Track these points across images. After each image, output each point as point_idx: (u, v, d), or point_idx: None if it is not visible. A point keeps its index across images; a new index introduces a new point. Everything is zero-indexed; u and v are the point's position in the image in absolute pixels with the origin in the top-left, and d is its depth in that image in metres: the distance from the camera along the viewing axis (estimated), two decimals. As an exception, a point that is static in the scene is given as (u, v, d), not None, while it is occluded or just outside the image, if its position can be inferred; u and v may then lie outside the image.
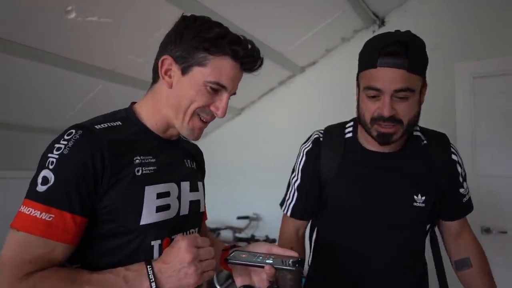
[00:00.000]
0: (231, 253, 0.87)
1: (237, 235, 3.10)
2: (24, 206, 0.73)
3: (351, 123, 1.23)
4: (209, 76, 0.83)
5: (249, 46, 0.86)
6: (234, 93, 0.90)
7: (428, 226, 1.25)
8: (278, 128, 3.14)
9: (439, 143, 1.20)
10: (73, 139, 0.76)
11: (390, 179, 1.14)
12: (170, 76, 0.86)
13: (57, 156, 0.75)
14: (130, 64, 2.18)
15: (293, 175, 1.26)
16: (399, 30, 1.08)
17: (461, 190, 1.22)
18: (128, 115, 0.89)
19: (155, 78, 0.90)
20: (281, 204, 1.28)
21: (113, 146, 0.79)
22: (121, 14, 1.81)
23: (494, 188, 2.35)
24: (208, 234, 1.14)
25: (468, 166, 2.35)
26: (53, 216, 0.73)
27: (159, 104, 0.88)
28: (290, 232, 1.26)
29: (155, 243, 0.84)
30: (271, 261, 0.81)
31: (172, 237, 0.87)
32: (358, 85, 1.13)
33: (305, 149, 1.25)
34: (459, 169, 1.20)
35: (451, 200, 1.21)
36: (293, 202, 1.25)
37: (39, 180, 0.74)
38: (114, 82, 2.28)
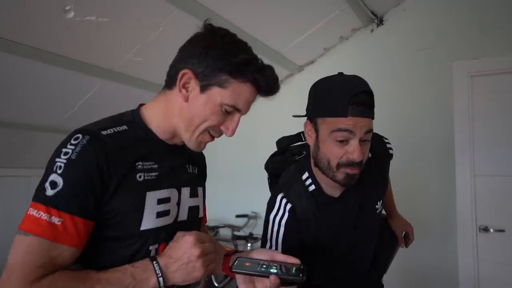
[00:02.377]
0: (235, 260, 0.88)
1: (236, 233, 3.11)
2: (33, 209, 0.74)
3: (306, 174, 1.18)
4: (227, 99, 0.84)
5: (271, 75, 0.87)
6: (245, 114, 0.91)
7: None
8: (276, 126, 3.13)
9: (378, 146, 1.25)
10: (80, 144, 0.77)
11: (361, 208, 1.20)
12: (187, 90, 0.85)
13: (65, 161, 0.75)
14: (128, 63, 2.18)
15: (268, 246, 1.15)
16: (357, 76, 1.09)
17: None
18: (135, 119, 0.89)
19: (170, 85, 0.88)
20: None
21: (118, 152, 0.80)
22: (119, 13, 1.81)
23: (492, 186, 2.36)
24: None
25: (466, 165, 2.38)
26: (62, 220, 0.74)
27: (170, 113, 0.88)
28: None
29: (152, 248, 0.85)
30: (275, 271, 0.82)
31: (169, 243, 0.88)
32: (315, 130, 1.09)
33: (281, 220, 1.14)
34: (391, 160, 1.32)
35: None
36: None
37: (48, 184, 0.75)
38: (113, 81, 2.28)
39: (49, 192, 0.74)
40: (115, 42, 2.01)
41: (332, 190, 1.15)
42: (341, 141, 1.03)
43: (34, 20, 1.68)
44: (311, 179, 1.16)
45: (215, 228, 3.19)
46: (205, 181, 1.10)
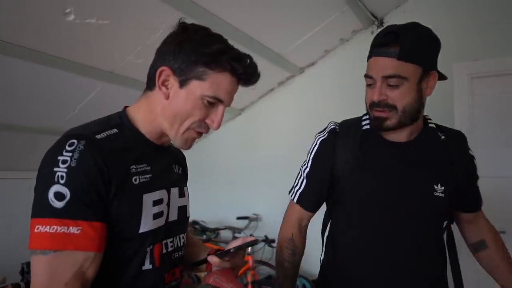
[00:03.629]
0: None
1: (237, 235, 3.11)
2: (43, 226, 0.71)
3: (366, 116, 1.20)
4: (207, 91, 0.83)
5: (248, 62, 0.87)
6: (229, 105, 0.90)
7: (445, 223, 1.22)
8: (278, 128, 3.15)
9: (457, 138, 1.21)
10: (78, 150, 0.75)
11: (410, 168, 1.12)
12: (167, 88, 0.85)
13: (65, 170, 0.73)
14: (129, 65, 2.19)
15: (304, 162, 1.23)
16: (413, 22, 1.11)
17: (477, 184, 1.26)
18: (123, 121, 0.89)
19: (151, 85, 0.88)
20: (290, 191, 1.26)
21: (113, 156, 0.79)
22: (119, 15, 1.82)
23: (493, 188, 2.35)
24: (192, 237, 1.15)
25: (467, 166, 2.38)
26: (81, 228, 0.72)
27: (153, 113, 0.88)
28: (292, 220, 1.23)
29: (148, 250, 0.85)
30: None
31: (163, 242, 0.89)
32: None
33: (320, 138, 1.21)
34: (475, 162, 1.24)
35: (470, 194, 1.23)
36: (301, 189, 1.22)
37: (52, 196, 0.72)
38: (113, 83, 2.29)
39: (57, 204, 0.72)
40: (115, 44, 2.01)
41: (384, 134, 1.15)
42: (369, 85, 1.10)
43: (35, 23, 1.69)
44: (369, 120, 1.18)
45: (215, 230, 3.19)
46: (187, 181, 1.09)
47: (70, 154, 0.74)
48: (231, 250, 0.89)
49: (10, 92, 2.06)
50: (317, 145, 1.21)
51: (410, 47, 1.03)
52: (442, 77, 1.13)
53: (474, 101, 2.42)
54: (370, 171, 1.13)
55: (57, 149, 0.76)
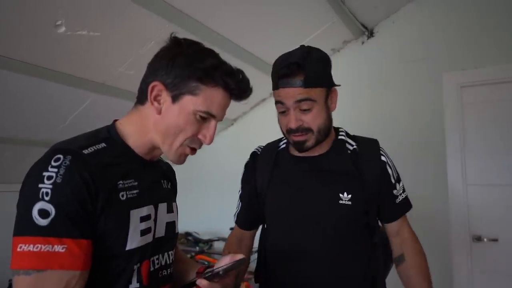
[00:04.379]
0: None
1: (230, 246, 3.08)
2: (27, 245, 0.68)
3: (285, 139, 1.31)
4: (200, 106, 0.83)
5: (241, 77, 0.87)
6: (221, 120, 0.90)
7: (365, 229, 1.23)
8: (270, 138, 3.13)
9: (368, 146, 1.25)
10: (63, 165, 0.73)
11: (317, 179, 1.20)
12: (159, 102, 0.84)
13: (50, 186, 0.71)
14: (120, 77, 2.18)
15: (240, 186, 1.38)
16: (299, 48, 1.20)
17: (394, 192, 1.25)
18: (112, 135, 0.87)
19: (142, 99, 0.87)
20: (234, 214, 1.39)
21: (101, 171, 0.77)
22: (110, 27, 1.82)
23: (484, 196, 2.38)
24: (180, 253, 1.13)
25: (458, 175, 2.39)
26: (66, 246, 0.70)
27: (145, 128, 0.87)
28: (232, 240, 1.36)
29: (136, 267, 0.83)
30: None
31: (151, 259, 0.87)
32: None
33: (245, 163, 1.38)
34: (389, 170, 1.24)
35: (386, 202, 1.24)
36: (238, 211, 1.38)
37: (36, 214, 0.69)
38: (105, 95, 2.28)
39: (42, 222, 0.69)
40: (107, 55, 2.01)
41: (296, 151, 1.24)
42: (283, 112, 1.17)
43: (25, 35, 1.68)
44: (286, 141, 1.31)
45: (209, 241, 3.15)
46: (176, 196, 1.08)
47: (55, 169, 0.72)
48: (220, 273, 0.85)
49: (1, 104, 2.04)
50: (243, 170, 1.38)
51: (313, 74, 1.12)
52: (336, 85, 1.23)
53: (464, 110, 2.45)
54: (282, 185, 1.24)
55: (43, 164, 0.74)
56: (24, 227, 0.70)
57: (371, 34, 2.77)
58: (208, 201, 3.42)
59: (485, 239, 2.33)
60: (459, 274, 2.35)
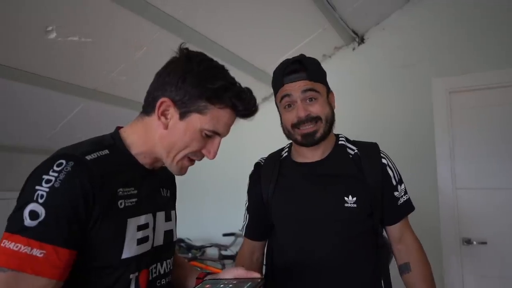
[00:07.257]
0: (200, 284, 0.86)
1: (223, 252, 3.07)
2: (10, 242, 0.68)
3: (287, 146, 1.37)
4: (207, 124, 0.84)
5: (249, 98, 0.88)
6: (225, 136, 0.91)
7: (370, 233, 1.24)
8: (263, 143, 3.13)
9: (369, 149, 1.27)
10: (64, 171, 0.73)
11: (320, 183, 1.21)
12: (166, 117, 0.85)
13: (47, 189, 0.71)
14: (112, 83, 2.18)
15: (246, 199, 1.39)
16: (300, 54, 1.27)
17: (396, 193, 1.25)
18: (116, 143, 0.87)
19: (148, 111, 0.87)
20: (242, 228, 1.38)
21: (102, 179, 0.77)
22: (102, 33, 1.81)
23: (473, 200, 2.41)
24: (179, 258, 1.13)
25: (447, 179, 2.42)
26: (44, 252, 0.69)
27: (149, 139, 0.87)
28: (244, 253, 1.36)
29: (133, 276, 0.82)
30: None
31: (150, 268, 0.86)
32: (277, 107, 1.29)
33: (250, 174, 1.39)
34: (389, 171, 1.25)
35: (387, 204, 1.24)
36: (246, 223, 1.36)
37: (26, 214, 0.70)
38: (96, 101, 2.26)
39: (29, 222, 0.69)
40: (99, 61, 2.00)
41: (298, 158, 1.29)
42: (288, 106, 1.21)
43: (16, 41, 1.67)
44: (287, 149, 1.35)
45: (201, 248, 3.14)
46: (175, 203, 1.08)
47: (56, 174, 0.73)
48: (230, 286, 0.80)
49: (-11, 110, 2.02)
50: (248, 181, 1.38)
51: (314, 70, 1.23)
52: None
53: (452, 115, 2.49)
54: (287, 192, 1.25)
55: (45, 167, 0.74)
56: (13, 224, 0.71)
57: (361, 40, 2.81)
58: (200, 207, 3.41)
59: (474, 242, 2.36)
60: (450, 276, 2.37)
